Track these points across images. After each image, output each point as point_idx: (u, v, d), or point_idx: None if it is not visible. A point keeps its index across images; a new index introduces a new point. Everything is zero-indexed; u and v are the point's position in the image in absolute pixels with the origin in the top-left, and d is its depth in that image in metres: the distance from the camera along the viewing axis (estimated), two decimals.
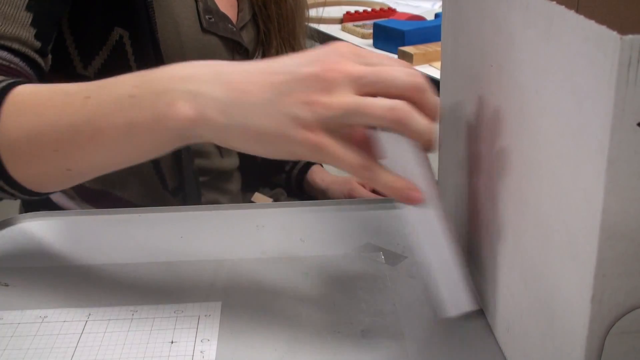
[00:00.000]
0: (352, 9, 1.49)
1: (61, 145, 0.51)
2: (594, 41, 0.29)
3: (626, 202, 0.30)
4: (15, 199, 0.57)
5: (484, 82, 0.46)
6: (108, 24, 0.74)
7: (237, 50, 0.86)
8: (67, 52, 0.75)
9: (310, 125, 0.43)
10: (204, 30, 0.80)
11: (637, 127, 0.29)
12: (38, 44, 0.65)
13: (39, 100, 0.52)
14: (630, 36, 0.27)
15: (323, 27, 1.42)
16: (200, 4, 0.79)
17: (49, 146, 0.51)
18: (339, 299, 0.54)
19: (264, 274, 0.57)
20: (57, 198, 0.84)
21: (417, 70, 0.44)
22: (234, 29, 0.84)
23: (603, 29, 0.29)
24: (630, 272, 0.32)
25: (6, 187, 0.55)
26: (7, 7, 0.63)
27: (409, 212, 0.45)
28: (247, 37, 0.88)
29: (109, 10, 0.73)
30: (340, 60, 0.43)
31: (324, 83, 0.43)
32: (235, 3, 0.88)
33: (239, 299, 0.54)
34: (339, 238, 0.63)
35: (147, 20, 0.73)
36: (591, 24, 0.30)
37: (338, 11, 1.47)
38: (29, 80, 0.62)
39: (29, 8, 0.64)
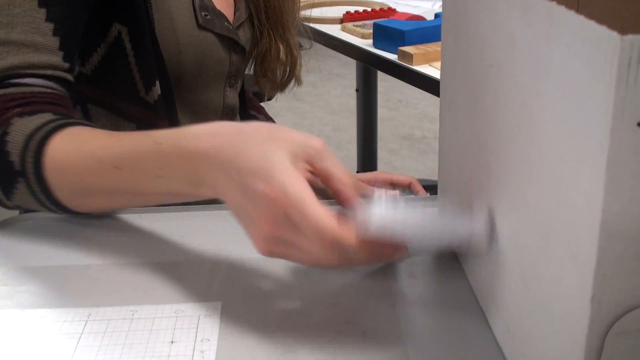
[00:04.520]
0: (352, 9, 1.49)
1: (107, 203, 0.62)
2: (594, 41, 0.29)
3: (626, 202, 0.31)
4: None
5: (484, 82, 0.46)
6: (107, 19, 0.74)
7: (234, 49, 0.86)
8: None
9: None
10: (200, 26, 0.80)
11: (637, 127, 0.29)
12: (67, 65, 0.68)
13: (74, 165, 0.59)
14: (630, 36, 0.27)
15: (323, 27, 1.42)
16: (196, 1, 0.79)
17: (96, 202, 0.62)
18: (339, 299, 0.54)
19: (264, 274, 0.57)
20: None
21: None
22: (230, 27, 0.84)
23: (603, 29, 0.29)
24: (630, 271, 0.32)
25: (56, 210, 0.63)
26: (35, 36, 0.65)
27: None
28: (243, 36, 0.88)
29: (108, 6, 0.73)
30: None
31: None
32: (232, 2, 0.88)
33: (239, 299, 0.54)
34: None
35: (146, 16, 0.73)
36: (591, 24, 0.30)
37: (338, 11, 1.47)
38: (63, 107, 0.67)
39: (55, 33, 0.66)
